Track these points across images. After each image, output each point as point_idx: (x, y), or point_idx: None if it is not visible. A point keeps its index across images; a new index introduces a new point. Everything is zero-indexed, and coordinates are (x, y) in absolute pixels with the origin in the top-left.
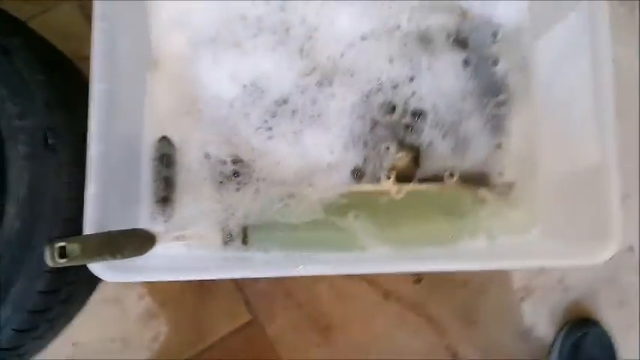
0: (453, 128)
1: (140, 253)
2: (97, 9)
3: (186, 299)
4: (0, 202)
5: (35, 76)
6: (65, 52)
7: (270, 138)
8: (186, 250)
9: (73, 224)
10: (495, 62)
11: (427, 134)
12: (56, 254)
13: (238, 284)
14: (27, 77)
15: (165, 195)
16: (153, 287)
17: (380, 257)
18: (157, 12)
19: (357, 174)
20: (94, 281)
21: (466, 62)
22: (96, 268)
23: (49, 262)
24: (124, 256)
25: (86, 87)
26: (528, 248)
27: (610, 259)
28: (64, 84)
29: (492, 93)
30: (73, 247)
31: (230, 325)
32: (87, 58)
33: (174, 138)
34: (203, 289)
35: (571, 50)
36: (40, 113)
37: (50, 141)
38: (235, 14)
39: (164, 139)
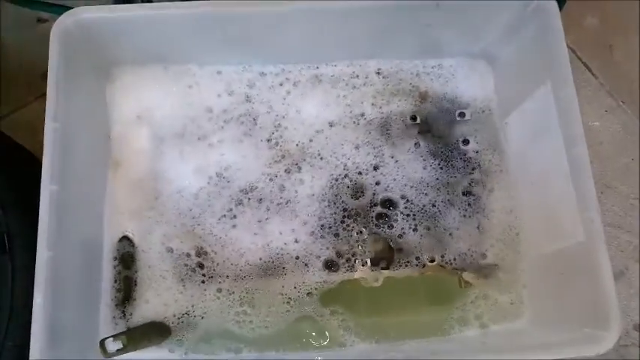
0: (426, 215)
1: (158, 343)
2: (50, 108)
3: None
4: None
5: None
6: (34, 147)
7: (233, 227)
8: (143, 355)
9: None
10: (466, 142)
11: (400, 224)
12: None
13: None
14: None
15: (126, 295)
16: None
17: (361, 354)
18: (119, 109)
19: (331, 266)
20: None
21: (431, 150)
22: None
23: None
24: (150, 344)
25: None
26: (522, 338)
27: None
28: (25, 183)
29: (465, 173)
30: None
31: None
32: None
33: (136, 235)
34: None
35: (542, 126)
36: None
37: (7, 245)
38: (201, 108)
39: (125, 239)
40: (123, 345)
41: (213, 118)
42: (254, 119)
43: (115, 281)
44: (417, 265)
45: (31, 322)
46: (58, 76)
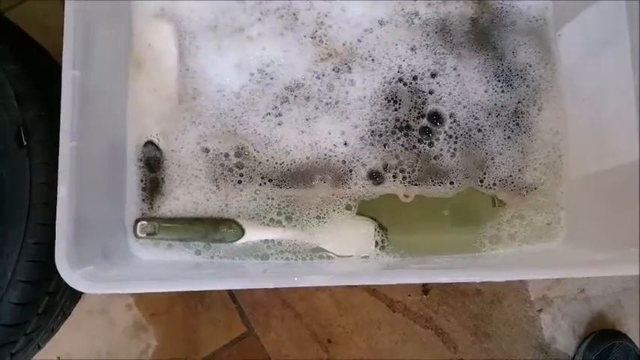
0: (473, 129)
1: (228, 241)
2: None
3: (177, 310)
4: None
5: (6, 66)
6: (45, 46)
7: (279, 124)
8: (170, 255)
9: (51, 230)
10: (515, 52)
11: (442, 142)
12: (139, 230)
13: (232, 293)
14: None
15: (152, 193)
16: (141, 297)
17: (386, 267)
18: (140, 3)
19: (377, 177)
20: (76, 291)
21: (495, 70)
22: (73, 279)
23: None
24: (212, 239)
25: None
26: (556, 256)
27: None
28: (40, 77)
29: (517, 88)
30: (153, 225)
31: (224, 337)
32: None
33: (166, 137)
34: (194, 299)
35: (602, 39)
36: (11, 108)
37: (24, 139)
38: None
39: (150, 144)
40: (153, 230)
41: (247, 9)
42: (294, 14)
43: (142, 180)
44: (451, 184)
45: (50, 220)
46: None
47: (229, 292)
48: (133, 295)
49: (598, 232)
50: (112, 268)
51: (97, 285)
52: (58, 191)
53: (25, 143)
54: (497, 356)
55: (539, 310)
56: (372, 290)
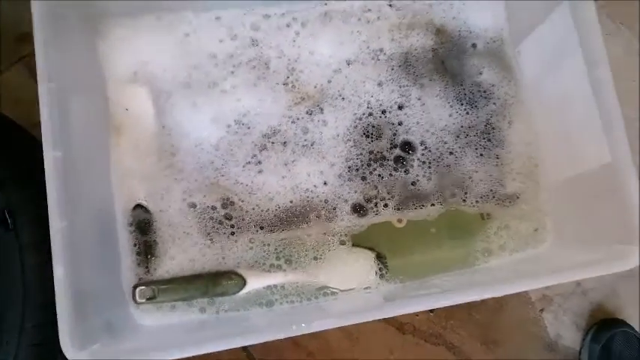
0: (444, 153)
1: (230, 293)
2: (41, 68)
3: None
4: None
5: None
6: (17, 119)
7: (259, 172)
8: (174, 317)
9: (49, 310)
10: (480, 73)
11: (417, 168)
12: (138, 296)
13: None
14: None
15: (148, 256)
16: None
17: (388, 295)
18: (113, 66)
19: (360, 210)
20: None
21: (457, 94)
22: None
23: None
24: (214, 294)
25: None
26: (546, 261)
27: None
28: (20, 156)
29: (483, 107)
30: (152, 289)
31: None
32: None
33: (152, 197)
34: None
35: (558, 51)
36: None
37: (10, 222)
38: (203, 55)
39: (139, 207)
40: (153, 294)
41: (219, 63)
42: (265, 64)
43: (135, 245)
44: (440, 204)
45: (46, 300)
46: (45, 33)
47: None
48: None
49: (582, 232)
50: (117, 343)
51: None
52: (54, 271)
53: (11, 227)
54: None
55: (541, 310)
56: None
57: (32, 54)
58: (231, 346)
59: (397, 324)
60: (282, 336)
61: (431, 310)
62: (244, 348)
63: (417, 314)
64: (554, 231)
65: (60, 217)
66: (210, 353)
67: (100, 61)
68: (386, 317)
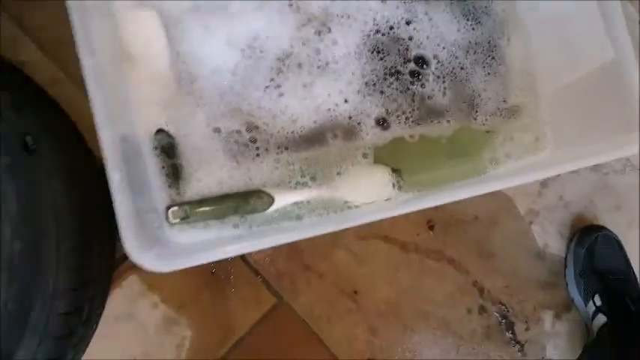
0: (456, 67)
1: (260, 210)
2: None
3: (204, 297)
4: None
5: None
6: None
7: (280, 95)
8: (209, 234)
9: (85, 231)
10: None
11: (432, 82)
12: (171, 217)
13: (254, 269)
14: None
15: (177, 177)
16: (165, 292)
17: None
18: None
19: (384, 123)
20: (105, 295)
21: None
22: (150, 261)
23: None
24: (244, 212)
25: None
26: (547, 162)
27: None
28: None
29: (484, 21)
30: (184, 209)
31: (256, 312)
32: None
33: (174, 123)
34: (219, 282)
35: None
36: (8, 116)
37: (31, 146)
38: None
39: (161, 132)
40: (185, 214)
41: None
42: None
43: (163, 167)
44: (447, 122)
45: (79, 227)
46: None
47: (251, 268)
48: (156, 292)
49: (581, 134)
50: (168, 253)
51: (177, 261)
52: (110, 177)
53: (35, 152)
54: (505, 270)
55: (530, 223)
56: (384, 237)
57: None
58: (281, 241)
59: (400, 244)
60: (322, 231)
61: (431, 228)
62: (258, 273)
63: (417, 233)
64: (553, 138)
65: (107, 127)
66: (228, 278)
67: None
68: (413, 210)
